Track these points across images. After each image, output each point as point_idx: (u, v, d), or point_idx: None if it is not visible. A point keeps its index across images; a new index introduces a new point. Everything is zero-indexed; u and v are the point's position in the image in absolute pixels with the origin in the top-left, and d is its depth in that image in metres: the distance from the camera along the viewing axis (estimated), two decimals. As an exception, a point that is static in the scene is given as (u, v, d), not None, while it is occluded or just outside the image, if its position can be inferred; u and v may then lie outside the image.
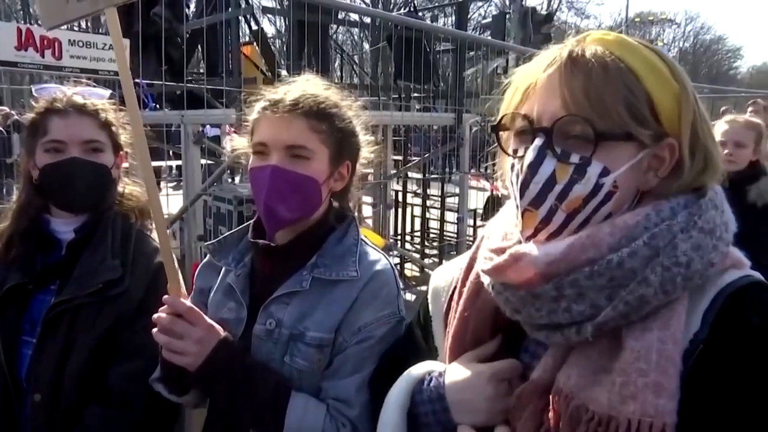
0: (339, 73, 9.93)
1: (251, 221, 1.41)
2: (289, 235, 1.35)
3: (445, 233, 7.47)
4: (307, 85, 1.35)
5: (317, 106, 1.29)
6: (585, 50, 0.87)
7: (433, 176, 7.88)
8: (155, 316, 1.25)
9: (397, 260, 7.11)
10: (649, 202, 0.87)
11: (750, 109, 8.19)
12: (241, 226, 1.46)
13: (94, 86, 1.67)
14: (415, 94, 6.78)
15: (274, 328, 1.28)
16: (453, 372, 0.97)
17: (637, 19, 39.72)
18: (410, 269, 7.14)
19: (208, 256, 1.46)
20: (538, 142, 0.86)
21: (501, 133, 0.94)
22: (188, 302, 1.27)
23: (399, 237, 7.58)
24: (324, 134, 1.30)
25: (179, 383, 1.32)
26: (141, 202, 1.64)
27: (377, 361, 1.25)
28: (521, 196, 0.87)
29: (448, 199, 7.49)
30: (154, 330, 1.25)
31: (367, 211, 7.55)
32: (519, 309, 0.88)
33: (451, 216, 7.34)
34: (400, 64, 6.45)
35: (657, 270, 0.80)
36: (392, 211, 7.04)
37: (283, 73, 5.96)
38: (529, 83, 0.91)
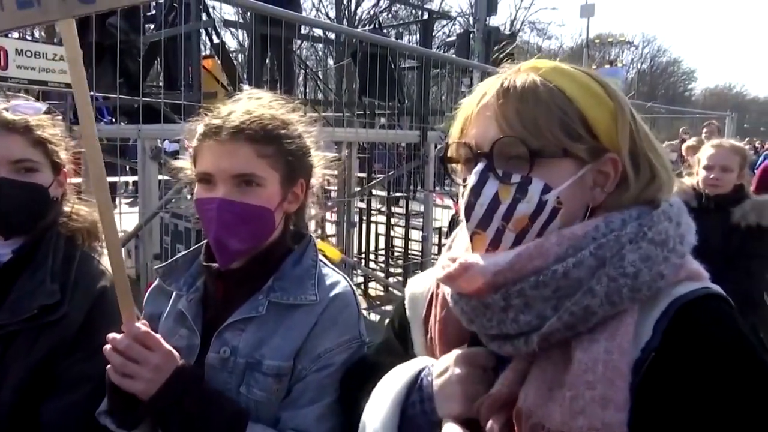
0: (303, 89, 9.88)
1: (203, 243, 1.37)
2: (243, 259, 1.31)
3: (409, 252, 7.49)
4: (250, 105, 1.30)
5: (263, 129, 1.25)
6: (517, 79, 0.91)
7: (397, 194, 7.88)
8: (110, 336, 1.19)
9: (361, 279, 7.09)
10: (600, 215, 0.89)
11: (705, 130, 8.47)
12: (192, 248, 1.41)
13: (30, 99, 1.57)
14: (380, 111, 6.79)
15: (229, 357, 1.24)
16: (437, 363, 1.00)
17: (596, 41, 40.89)
18: (374, 288, 7.13)
19: (157, 280, 1.40)
20: (479, 166, 0.89)
21: (452, 164, 0.98)
22: (145, 327, 1.21)
23: (363, 255, 7.57)
24: (273, 158, 1.25)
25: (129, 415, 1.25)
26: (88, 222, 1.55)
27: (337, 390, 1.23)
28: (468, 218, 0.89)
29: (412, 218, 7.50)
30: (108, 349, 1.18)
31: (331, 228, 7.51)
32: (473, 319, 0.90)
33: (415, 234, 7.36)
34: (364, 81, 6.47)
35: (603, 280, 0.81)
36: (356, 229, 7.03)
37: (245, 87, 5.89)
38: (467, 114, 0.94)
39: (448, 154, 0.96)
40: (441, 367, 0.98)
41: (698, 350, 0.79)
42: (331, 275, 1.33)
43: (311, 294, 1.27)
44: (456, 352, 0.98)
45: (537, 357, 0.85)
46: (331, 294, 1.28)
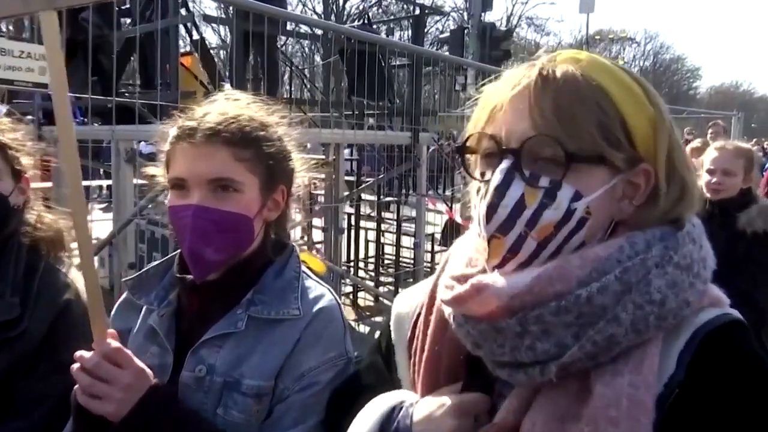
0: (288, 87, 9.87)
1: (176, 253, 1.35)
2: (220, 270, 1.29)
3: (401, 260, 7.48)
4: (227, 106, 1.29)
5: (240, 130, 1.24)
6: (556, 69, 0.88)
7: (388, 198, 7.88)
8: (77, 354, 1.16)
9: (350, 289, 7.07)
10: (623, 233, 0.87)
11: (710, 130, 8.53)
12: (164, 259, 1.40)
13: None
14: (369, 111, 6.80)
15: (205, 376, 1.23)
16: (422, 404, 0.96)
17: (597, 37, 41.23)
18: (364, 298, 7.11)
19: (126, 293, 1.38)
20: (505, 163, 0.86)
21: (467, 155, 0.94)
22: (116, 342, 1.19)
23: (352, 264, 7.55)
24: (251, 162, 1.25)
25: None
26: (53, 231, 1.53)
27: (324, 410, 1.21)
28: (488, 220, 0.86)
29: (404, 223, 7.50)
30: (75, 368, 1.15)
31: (318, 235, 7.48)
32: (480, 344, 0.87)
33: (407, 241, 7.34)
34: (353, 79, 6.46)
35: (628, 307, 0.80)
36: (344, 235, 6.99)
37: (227, 86, 5.88)
38: (496, 102, 0.91)
39: (468, 144, 0.93)
40: (425, 412, 0.94)
41: (726, 386, 0.79)
42: (315, 288, 1.32)
43: (294, 308, 1.26)
44: (445, 398, 0.94)
45: (543, 384, 0.84)
46: (315, 308, 1.27)
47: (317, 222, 7.63)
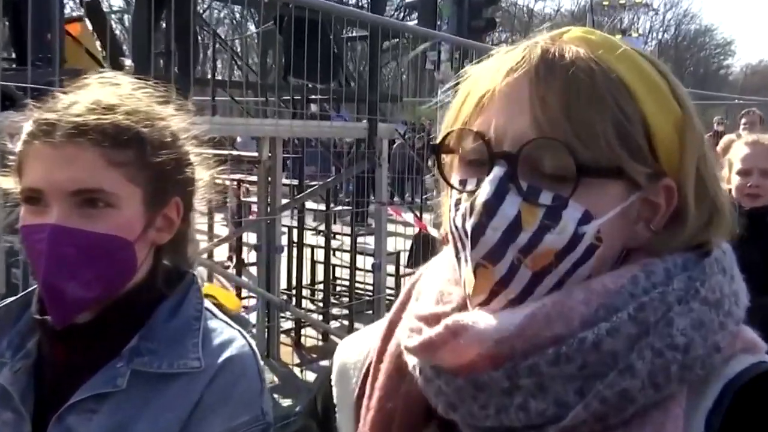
0: (211, 65, 9.85)
1: (35, 287, 1.34)
2: (92, 310, 1.28)
3: (356, 286, 7.50)
4: (101, 93, 1.28)
5: (116, 126, 1.23)
6: (564, 51, 0.87)
7: (339, 208, 7.90)
8: None
9: (290, 324, 7.05)
10: (637, 260, 0.88)
11: (743, 120, 8.78)
12: (20, 295, 1.38)
13: None
14: (313, 96, 6.80)
15: None
16: None
17: (605, 3, 42.09)
18: (310, 336, 7.12)
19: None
20: (497, 172, 0.84)
21: (444, 156, 0.94)
22: None
23: (293, 292, 7.57)
24: (131, 167, 1.24)
25: None
26: None
27: None
28: (473, 245, 0.85)
29: (360, 240, 7.51)
30: None
31: (250, 255, 7.45)
32: (456, 404, 0.85)
33: (364, 262, 7.35)
34: (291, 55, 6.45)
35: (645, 354, 0.80)
36: (284, 255, 6.99)
37: (128, 63, 5.81)
38: (484, 90, 0.90)
39: (447, 143, 0.92)
40: None
41: None
42: (223, 330, 1.33)
43: (193, 358, 1.26)
44: None
45: None
46: (222, 357, 1.27)
47: (249, 238, 7.60)
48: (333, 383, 1.10)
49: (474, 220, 0.85)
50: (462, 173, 0.90)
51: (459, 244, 0.88)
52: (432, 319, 0.89)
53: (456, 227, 0.89)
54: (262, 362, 1.34)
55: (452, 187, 0.91)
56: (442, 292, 0.94)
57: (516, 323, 0.82)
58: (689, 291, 0.83)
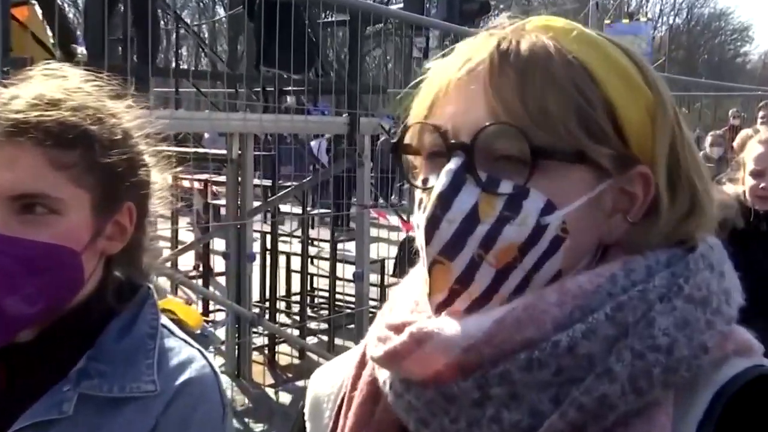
0: (175, 52, 9.83)
1: None
2: (34, 328, 1.28)
3: (337, 297, 7.48)
4: (46, 87, 1.28)
5: (61, 124, 1.22)
6: (521, 41, 0.90)
7: (318, 211, 7.89)
8: None
9: (264, 341, 7.04)
10: (617, 258, 0.90)
11: (762, 113, 8.85)
12: None
13: None
14: (289, 88, 6.79)
15: None
16: None
17: (610, -16, 42.22)
18: (285, 354, 7.11)
19: None
20: (453, 163, 0.88)
21: (408, 156, 0.97)
22: None
23: (267, 305, 7.55)
24: (78, 170, 1.24)
25: None
26: None
27: None
28: (428, 240, 0.88)
29: (341, 246, 7.51)
30: None
31: (219, 264, 7.43)
32: (427, 420, 0.87)
33: (345, 271, 7.34)
34: (264, 43, 6.44)
35: (625, 357, 0.81)
36: (256, 264, 6.98)
37: (81, 50, 5.79)
38: (443, 83, 0.93)
39: (406, 141, 0.95)
40: None
41: None
42: (181, 350, 1.33)
43: (147, 381, 1.26)
44: None
45: None
46: (180, 380, 1.27)
47: (217, 245, 7.58)
48: (306, 418, 1.11)
49: (428, 213, 0.87)
50: (425, 171, 0.94)
51: (419, 244, 0.90)
52: (402, 328, 0.90)
53: (417, 226, 0.91)
54: (226, 384, 1.34)
55: (413, 185, 0.94)
56: (417, 301, 0.96)
57: (484, 329, 0.84)
58: (672, 288, 0.85)
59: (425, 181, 0.92)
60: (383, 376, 0.93)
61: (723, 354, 0.86)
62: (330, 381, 1.11)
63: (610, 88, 0.89)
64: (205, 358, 1.33)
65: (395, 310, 0.98)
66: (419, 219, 0.91)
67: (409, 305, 0.96)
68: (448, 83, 0.92)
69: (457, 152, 0.88)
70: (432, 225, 0.87)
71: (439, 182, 0.88)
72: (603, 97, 0.88)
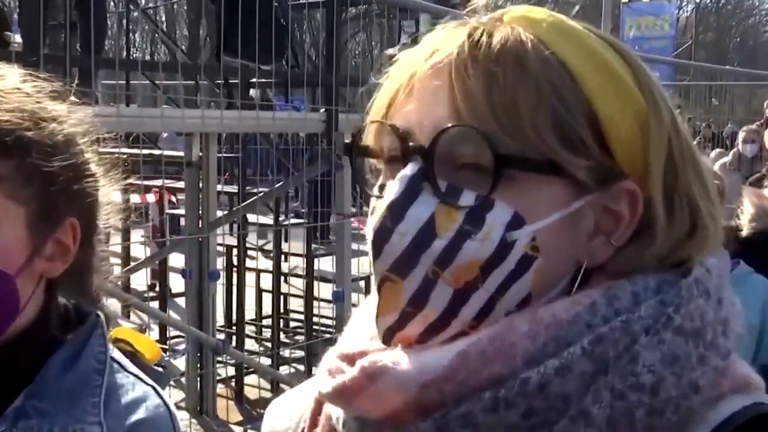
0: (125, 40, 9.81)
1: None
2: None
3: (314, 320, 7.46)
4: None
5: None
6: (494, 33, 0.90)
7: (291, 222, 7.87)
8: None
9: (231, 371, 7.01)
10: (599, 282, 0.89)
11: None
12: None
13: None
14: (255, 79, 6.79)
15: None
16: None
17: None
18: (254, 386, 7.10)
19: None
20: (410, 169, 0.88)
21: (368, 159, 0.97)
22: None
23: (234, 329, 7.50)
24: (12, 181, 1.24)
25: None
26: None
27: None
28: (377, 254, 0.88)
29: (318, 261, 7.49)
30: None
31: (177, 283, 7.41)
32: None
33: (323, 290, 7.33)
34: (226, 28, 6.44)
35: (603, 397, 0.81)
36: (221, 282, 6.98)
37: (17, 39, 5.78)
38: (404, 78, 0.93)
39: (363, 143, 0.96)
40: None
41: None
42: (133, 387, 1.33)
43: (92, 422, 1.26)
44: None
45: None
46: (130, 421, 1.28)
47: (176, 262, 7.56)
48: None
49: (376, 224, 0.87)
50: (384, 176, 0.94)
51: (370, 259, 0.90)
52: (356, 359, 0.90)
53: (367, 240, 0.91)
54: (184, 424, 1.35)
55: (370, 194, 0.95)
56: None
57: (445, 363, 0.84)
58: (659, 319, 0.84)
59: (382, 188, 0.92)
60: (336, 412, 0.94)
61: (718, 392, 0.86)
62: (288, 414, 1.12)
63: (590, 88, 0.88)
64: (160, 396, 1.33)
65: (355, 334, 0.99)
66: (368, 230, 0.90)
67: (370, 330, 0.95)
68: (410, 78, 0.92)
69: (414, 157, 0.88)
70: (381, 237, 0.87)
71: (391, 189, 0.87)
72: (584, 101, 0.87)
